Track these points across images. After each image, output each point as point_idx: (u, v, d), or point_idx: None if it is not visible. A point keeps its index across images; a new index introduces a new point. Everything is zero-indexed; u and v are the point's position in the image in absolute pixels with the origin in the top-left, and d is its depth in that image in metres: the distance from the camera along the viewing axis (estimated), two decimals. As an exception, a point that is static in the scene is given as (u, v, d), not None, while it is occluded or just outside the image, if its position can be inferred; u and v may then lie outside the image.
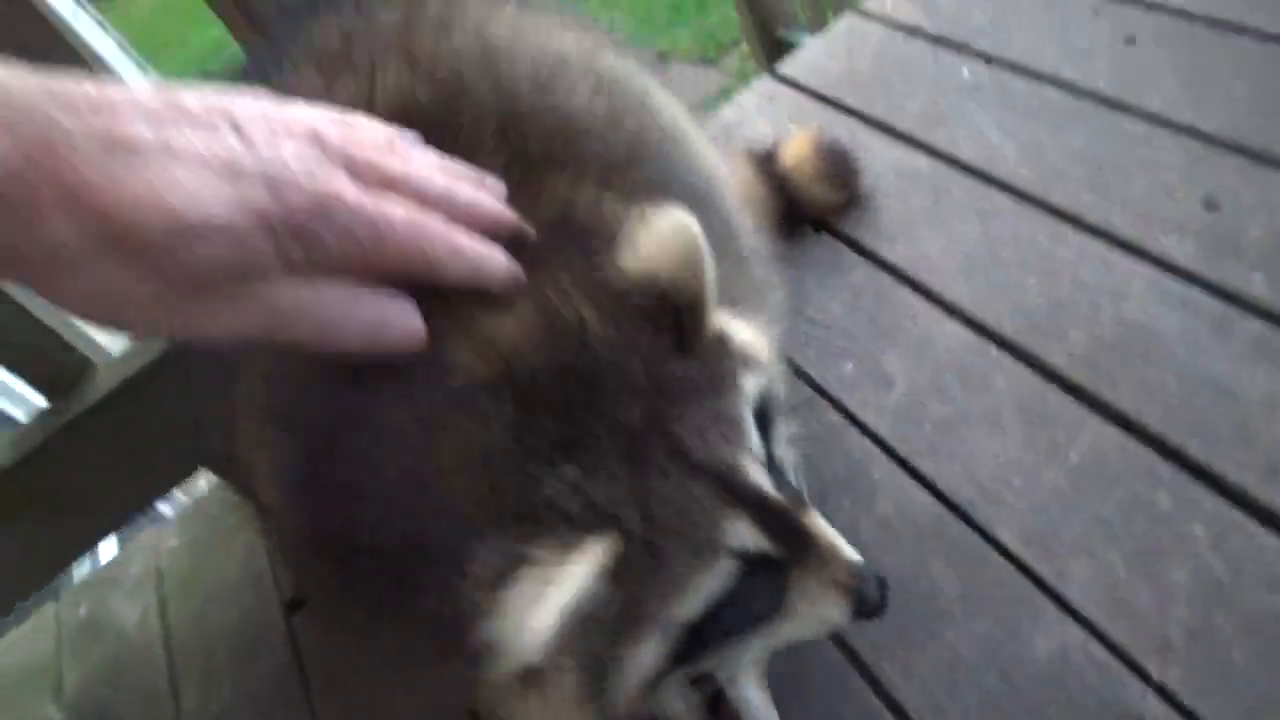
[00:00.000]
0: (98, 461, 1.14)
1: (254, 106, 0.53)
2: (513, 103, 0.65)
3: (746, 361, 0.63)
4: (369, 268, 0.53)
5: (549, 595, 0.49)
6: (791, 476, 0.67)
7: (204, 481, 1.43)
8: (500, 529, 0.52)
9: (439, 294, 0.55)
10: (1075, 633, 0.83)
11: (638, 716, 0.61)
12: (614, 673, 0.56)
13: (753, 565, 0.59)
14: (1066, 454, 0.94)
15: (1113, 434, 0.93)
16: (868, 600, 0.63)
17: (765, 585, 0.61)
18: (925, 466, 0.98)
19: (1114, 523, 0.88)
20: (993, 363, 1.04)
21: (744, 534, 0.58)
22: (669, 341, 0.57)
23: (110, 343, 1.23)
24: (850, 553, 0.64)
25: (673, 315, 0.57)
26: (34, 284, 0.49)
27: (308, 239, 0.50)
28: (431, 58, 0.67)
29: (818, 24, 3.04)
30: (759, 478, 0.60)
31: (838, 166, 1.25)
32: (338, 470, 0.56)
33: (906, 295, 1.15)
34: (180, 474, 1.24)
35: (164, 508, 1.98)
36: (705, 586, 0.57)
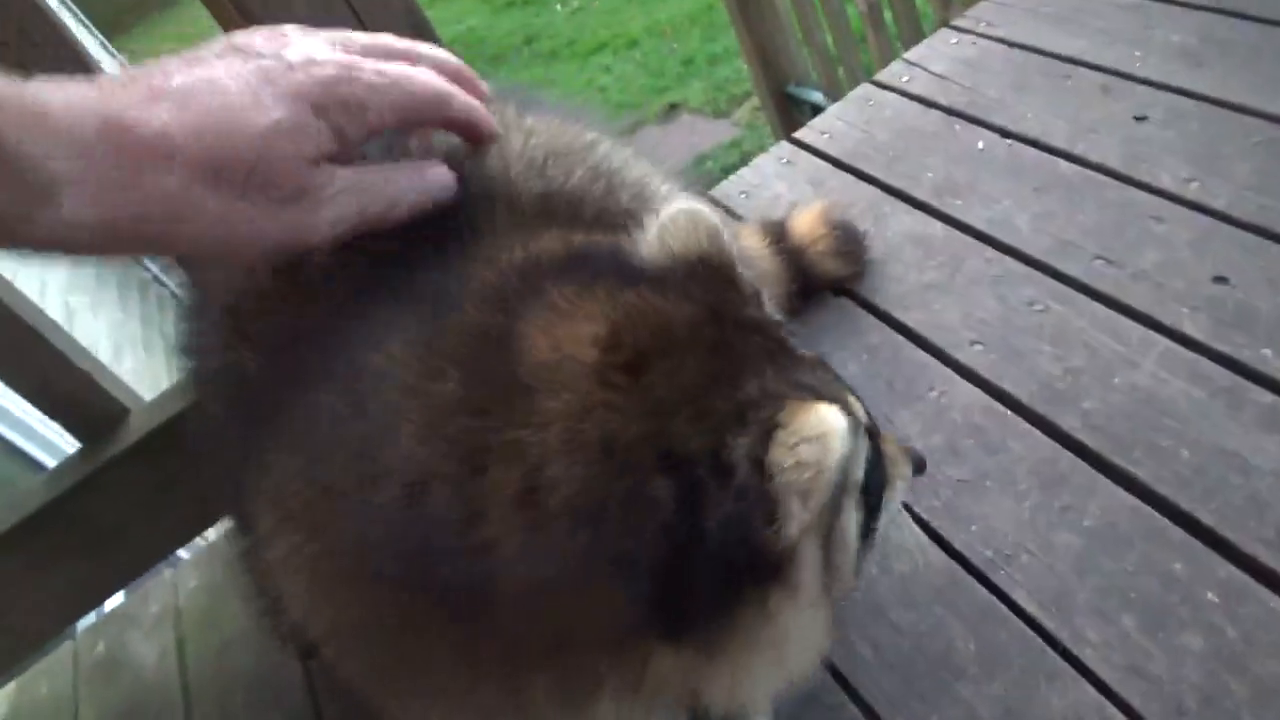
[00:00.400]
0: (129, 504, 1.16)
1: (247, 33, 0.61)
2: (504, 183, 0.72)
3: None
4: (400, 118, 0.62)
5: (825, 442, 0.53)
6: None
7: (222, 526, 1.44)
8: (734, 429, 0.55)
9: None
10: (1090, 695, 0.84)
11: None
12: (837, 545, 0.61)
13: (868, 435, 0.67)
14: (1080, 518, 0.95)
15: (1126, 499, 0.95)
16: (919, 458, 0.79)
17: (877, 454, 0.69)
18: (942, 526, 1.00)
19: (1127, 587, 0.89)
20: (1008, 426, 1.06)
21: (858, 407, 0.67)
22: (734, 295, 0.64)
23: (144, 389, 1.25)
24: None
25: (718, 278, 0.63)
26: (163, 242, 0.56)
27: (346, 103, 0.58)
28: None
29: (830, 84, 3.12)
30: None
31: (849, 242, 1.28)
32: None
33: (923, 358, 1.17)
34: (210, 519, 1.25)
35: (180, 550, 1.98)
36: (864, 450, 0.64)
